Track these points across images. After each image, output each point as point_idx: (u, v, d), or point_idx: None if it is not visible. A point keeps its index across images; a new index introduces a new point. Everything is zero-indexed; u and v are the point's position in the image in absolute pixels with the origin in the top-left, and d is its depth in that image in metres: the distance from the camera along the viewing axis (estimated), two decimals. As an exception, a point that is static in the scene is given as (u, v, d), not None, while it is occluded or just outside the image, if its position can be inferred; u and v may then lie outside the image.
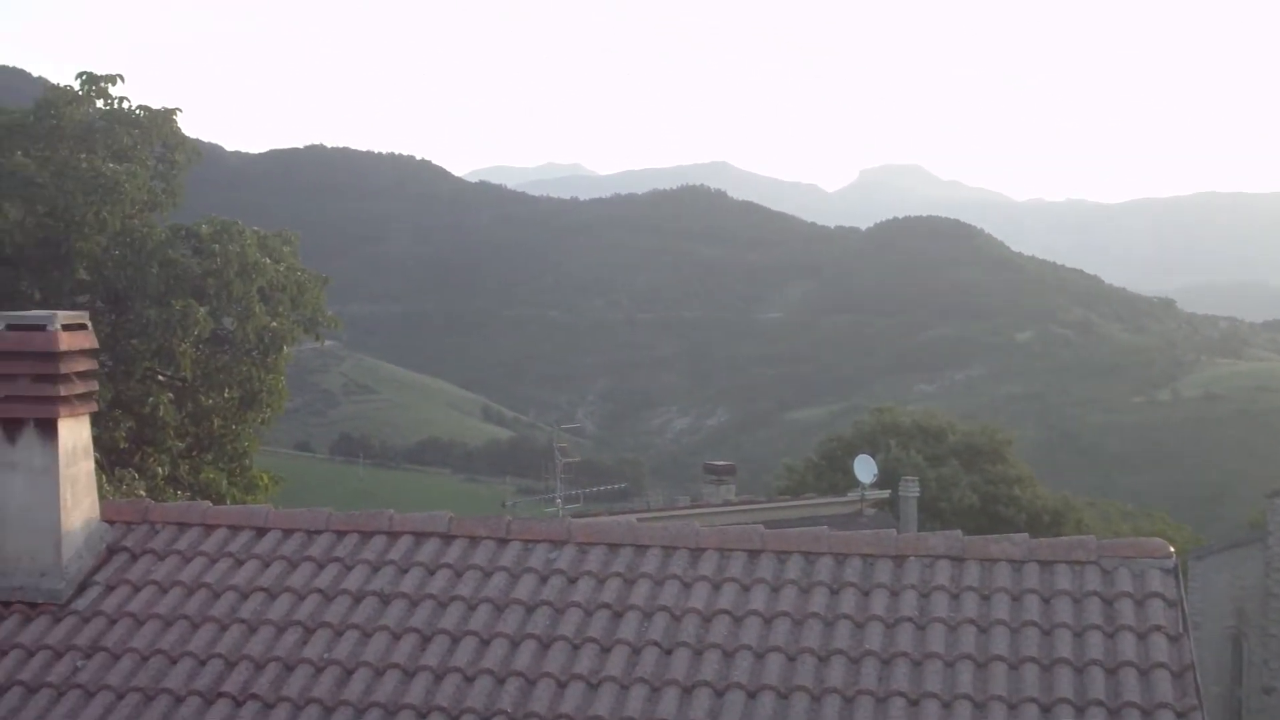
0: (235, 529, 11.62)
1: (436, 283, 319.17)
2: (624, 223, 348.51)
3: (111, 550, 11.44)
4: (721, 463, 43.87)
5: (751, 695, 9.58)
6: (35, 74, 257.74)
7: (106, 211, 28.29)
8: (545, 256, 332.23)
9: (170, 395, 28.72)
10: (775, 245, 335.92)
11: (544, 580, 10.79)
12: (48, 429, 10.97)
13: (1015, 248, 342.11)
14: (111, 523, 11.72)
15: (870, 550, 10.87)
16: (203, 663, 10.16)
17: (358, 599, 10.69)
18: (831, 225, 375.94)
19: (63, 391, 10.98)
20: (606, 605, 10.46)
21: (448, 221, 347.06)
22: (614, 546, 11.12)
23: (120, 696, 9.96)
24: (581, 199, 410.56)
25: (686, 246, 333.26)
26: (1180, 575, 10.63)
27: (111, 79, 30.72)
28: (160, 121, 30.87)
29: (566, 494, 43.01)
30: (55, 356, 10.92)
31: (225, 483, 29.68)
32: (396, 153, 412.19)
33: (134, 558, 11.36)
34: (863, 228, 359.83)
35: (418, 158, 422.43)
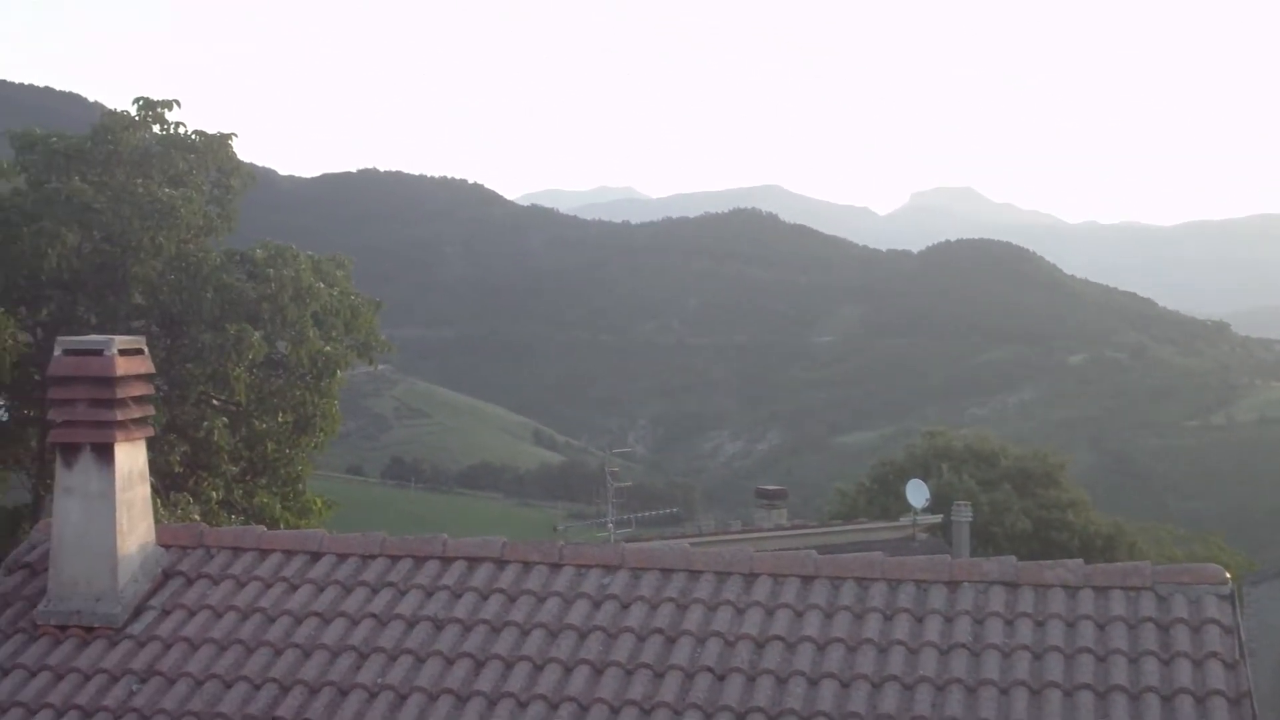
0: (289, 553, 11.67)
1: (489, 307, 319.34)
2: (676, 246, 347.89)
3: (167, 574, 11.50)
4: (773, 487, 43.67)
5: (805, 721, 9.54)
6: (92, 99, 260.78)
7: (162, 236, 28.39)
8: (597, 280, 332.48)
9: (224, 420, 28.75)
10: (827, 268, 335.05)
11: (597, 605, 10.79)
12: (104, 453, 11.04)
13: (1068, 270, 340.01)
14: (167, 547, 11.78)
15: (924, 576, 10.83)
16: (257, 687, 10.21)
17: (411, 624, 10.72)
18: (883, 248, 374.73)
19: (119, 416, 11.05)
20: (660, 630, 10.45)
21: (500, 245, 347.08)
22: (667, 571, 11.10)
23: (175, 720, 10.01)
24: (633, 223, 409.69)
25: (738, 270, 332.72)
26: (1236, 601, 10.53)
27: (168, 104, 30.82)
28: (215, 146, 30.97)
29: (618, 518, 42.95)
30: (112, 381, 11.00)
31: (279, 507, 29.73)
32: (449, 176, 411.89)
33: (189, 582, 11.42)
34: (915, 251, 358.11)
35: (470, 181, 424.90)
